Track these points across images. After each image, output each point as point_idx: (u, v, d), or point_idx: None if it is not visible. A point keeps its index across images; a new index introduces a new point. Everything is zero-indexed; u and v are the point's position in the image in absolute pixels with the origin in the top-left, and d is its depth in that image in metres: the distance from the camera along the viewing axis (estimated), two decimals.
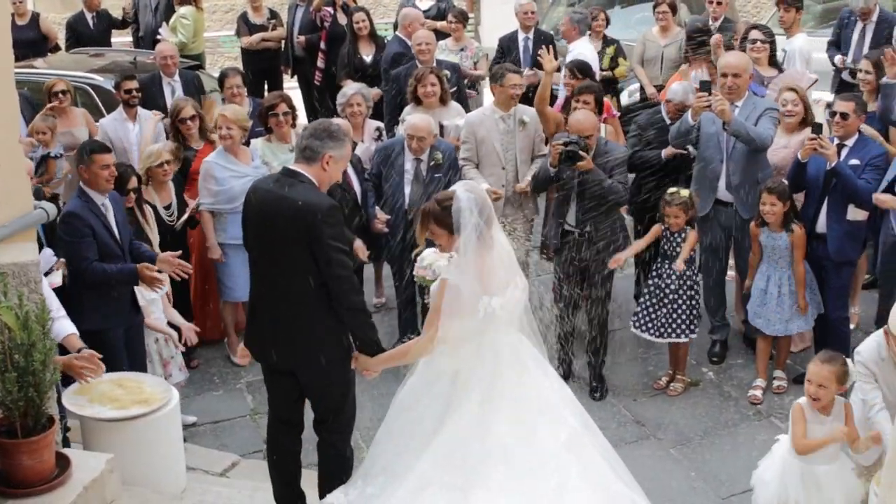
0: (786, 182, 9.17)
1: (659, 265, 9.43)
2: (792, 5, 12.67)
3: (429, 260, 7.11)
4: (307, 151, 6.67)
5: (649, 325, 9.42)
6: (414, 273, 7.35)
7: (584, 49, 13.17)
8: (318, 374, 6.75)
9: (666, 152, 10.17)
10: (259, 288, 6.96)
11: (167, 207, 9.71)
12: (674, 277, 9.27)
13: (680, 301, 9.29)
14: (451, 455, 6.39)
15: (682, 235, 9.28)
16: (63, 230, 7.93)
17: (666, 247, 9.38)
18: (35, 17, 16.46)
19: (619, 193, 9.14)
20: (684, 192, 9.32)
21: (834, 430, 6.82)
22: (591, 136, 9.07)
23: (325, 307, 6.61)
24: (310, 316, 6.61)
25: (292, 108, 10.35)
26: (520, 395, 6.57)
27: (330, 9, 15.08)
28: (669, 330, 9.35)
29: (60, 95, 11.55)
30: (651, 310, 9.40)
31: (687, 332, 9.35)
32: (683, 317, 9.30)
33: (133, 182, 9.08)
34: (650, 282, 9.47)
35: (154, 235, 9.28)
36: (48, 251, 7.65)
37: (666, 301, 9.31)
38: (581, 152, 8.89)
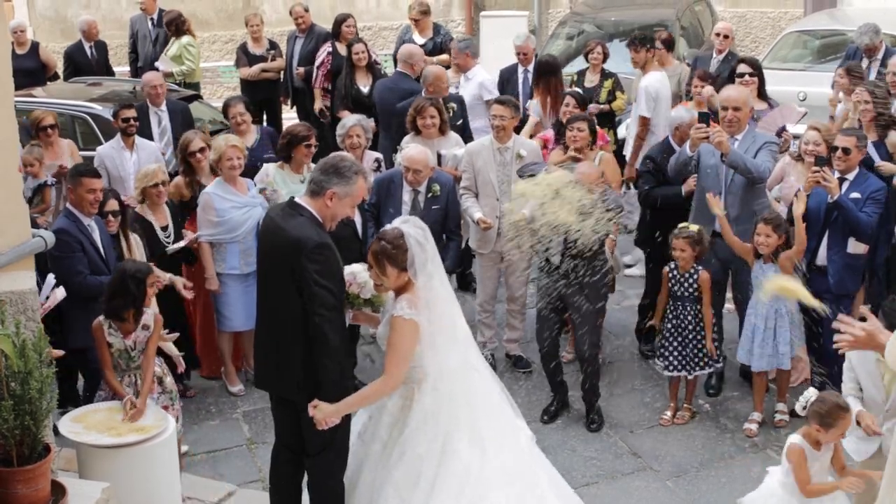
0: (783, 216, 9.18)
1: (672, 307, 9.39)
2: (642, 46, 13.34)
3: (362, 277, 7.08)
4: (313, 185, 6.72)
5: (678, 363, 9.39)
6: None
7: (482, 76, 13.29)
8: (305, 408, 6.68)
9: (686, 188, 10.05)
10: (260, 315, 7.01)
11: (164, 229, 9.69)
12: (690, 317, 9.29)
13: (701, 335, 9.32)
14: (458, 493, 6.61)
15: (693, 276, 9.27)
16: (54, 247, 7.96)
17: (675, 288, 9.35)
18: (35, 47, 16.51)
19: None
20: (693, 227, 9.28)
21: (844, 481, 6.81)
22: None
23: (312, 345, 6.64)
24: (302, 347, 6.61)
25: (317, 142, 10.40)
26: (493, 406, 6.97)
27: (328, 46, 15.08)
28: (702, 364, 9.38)
29: (49, 130, 11.53)
30: (678, 349, 9.36)
31: (712, 361, 9.42)
32: (706, 349, 9.35)
33: (112, 205, 9.00)
34: (668, 325, 9.41)
35: None
36: (51, 276, 7.67)
37: (690, 338, 9.32)
38: None
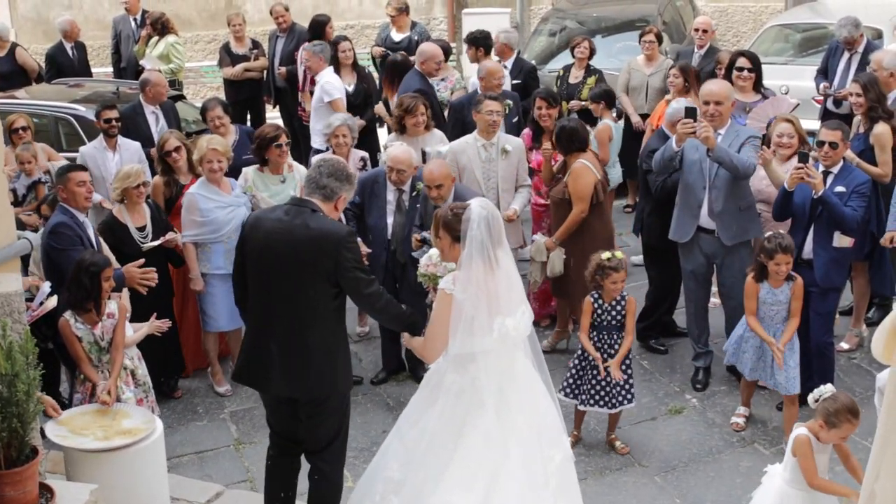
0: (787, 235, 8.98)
1: (593, 336, 8.83)
2: (476, 45, 13.93)
3: (437, 257, 7.15)
4: (326, 190, 6.83)
5: (579, 392, 8.89)
6: (420, 270, 7.35)
7: (330, 78, 13.36)
8: (319, 403, 6.84)
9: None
10: (264, 318, 6.88)
11: (141, 229, 9.60)
12: (606, 347, 8.77)
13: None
14: (471, 477, 6.52)
15: (621, 304, 8.79)
16: (53, 241, 7.95)
17: (601, 317, 8.82)
18: (12, 49, 16.41)
19: None
20: (618, 255, 8.80)
21: (855, 493, 6.54)
22: (441, 185, 9.20)
23: (332, 337, 6.76)
24: (318, 346, 6.69)
25: (289, 139, 10.30)
26: (527, 413, 6.72)
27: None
28: (615, 401, 8.82)
29: (21, 132, 11.43)
30: (584, 379, 8.84)
31: (628, 398, 8.90)
32: (621, 387, 8.83)
33: None
34: (583, 353, 8.86)
35: None
36: (46, 285, 7.68)
37: (598, 374, 8.74)
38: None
